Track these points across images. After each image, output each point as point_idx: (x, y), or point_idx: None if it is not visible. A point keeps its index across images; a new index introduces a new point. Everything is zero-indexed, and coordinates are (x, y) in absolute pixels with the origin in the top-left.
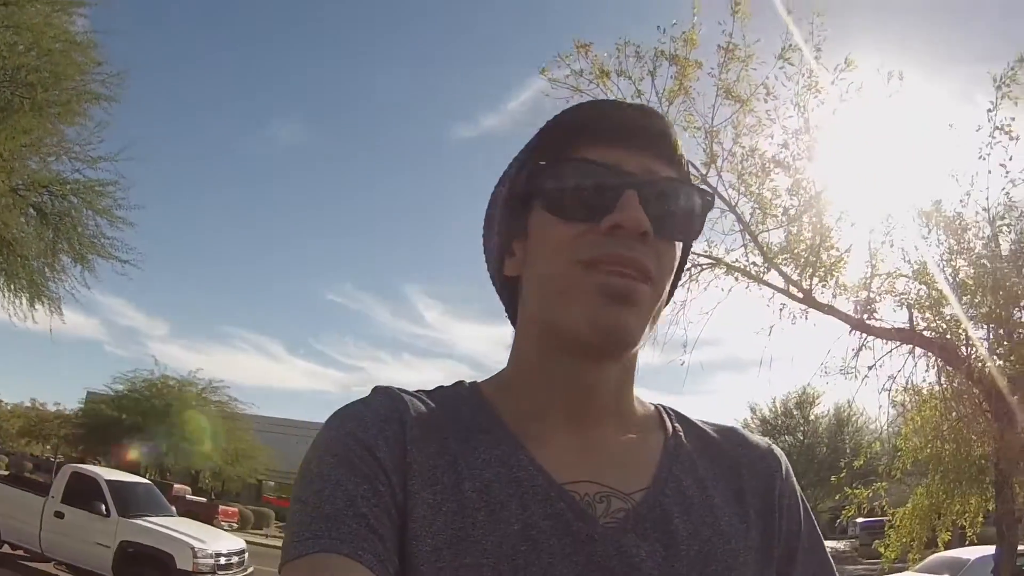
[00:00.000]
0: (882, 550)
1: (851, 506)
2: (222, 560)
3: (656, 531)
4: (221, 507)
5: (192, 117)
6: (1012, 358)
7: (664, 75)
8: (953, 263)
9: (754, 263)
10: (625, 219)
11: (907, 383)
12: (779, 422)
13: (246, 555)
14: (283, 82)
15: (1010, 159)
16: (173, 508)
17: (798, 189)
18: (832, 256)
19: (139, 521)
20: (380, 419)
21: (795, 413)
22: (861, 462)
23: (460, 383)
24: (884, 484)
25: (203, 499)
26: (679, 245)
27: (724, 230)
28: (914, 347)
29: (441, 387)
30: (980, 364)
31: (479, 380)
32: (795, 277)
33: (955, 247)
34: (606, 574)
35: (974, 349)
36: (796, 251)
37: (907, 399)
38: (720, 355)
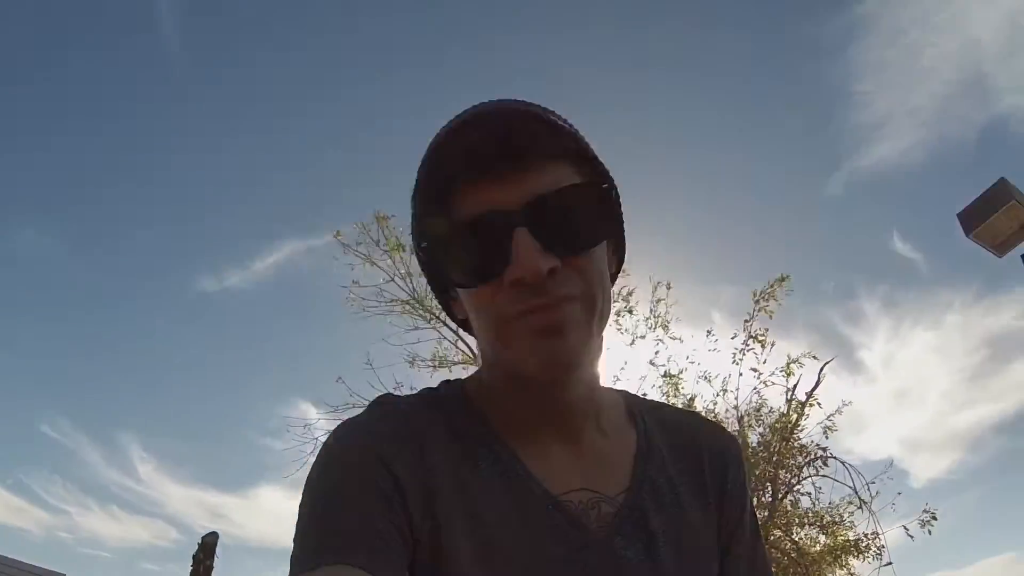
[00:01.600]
0: None
1: None
2: None
3: (637, 531)
4: None
5: None
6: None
7: None
8: None
9: None
10: (523, 271)
11: None
12: None
13: None
14: (38, 191)
15: (764, 362)
16: None
17: None
18: None
19: None
20: (397, 434)
21: None
22: None
23: (446, 383)
24: None
25: None
26: (599, 245)
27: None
28: None
29: (430, 389)
30: None
31: (461, 380)
32: None
33: None
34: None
35: None
36: None
37: None
38: None
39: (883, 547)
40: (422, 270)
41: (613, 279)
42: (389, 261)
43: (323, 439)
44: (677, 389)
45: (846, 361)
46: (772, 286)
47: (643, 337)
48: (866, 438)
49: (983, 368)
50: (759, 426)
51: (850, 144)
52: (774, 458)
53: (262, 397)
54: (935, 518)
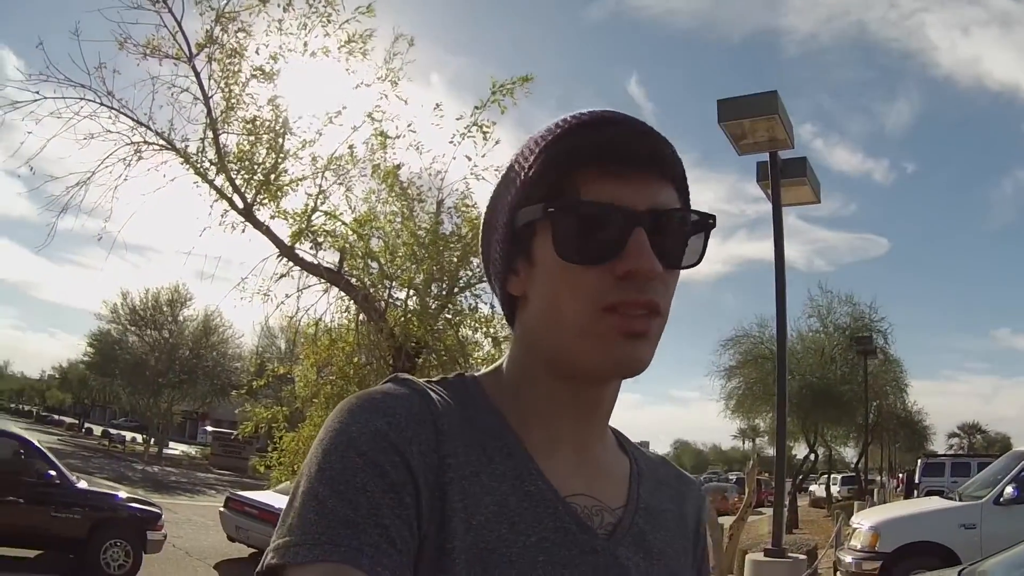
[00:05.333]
0: (261, 469)
1: (250, 423)
2: None
3: (636, 544)
4: None
5: None
6: (426, 325)
7: None
8: (408, 225)
9: (210, 160)
10: (639, 265)
11: (319, 319)
12: (148, 315)
13: None
14: None
15: (482, 156)
16: None
17: (275, 106)
18: (283, 180)
19: None
20: (414, 420)
21: (165, 310)
22: (264, 382)
23: (461, 376)
24: (284, 409)
25: None
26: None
27: (192, 117)
28: (334, 288)
29: (446, 379)
30: (394, 324)
31: (476, 375)
32: (242, 188)
33: (406, 212)
34: None
35: (392, 308)
36: (251, 163)
37: (318, 333)
38: (112, 231)
39: None
40: (500, 227)
41: None
42: None
43: None
44: (385, 150)
45: None
46: (513, 82)
47: (369, 86)
48: None
49: None
50: (457, 215)
51: None
52: (458, 252)
53: None
54: None
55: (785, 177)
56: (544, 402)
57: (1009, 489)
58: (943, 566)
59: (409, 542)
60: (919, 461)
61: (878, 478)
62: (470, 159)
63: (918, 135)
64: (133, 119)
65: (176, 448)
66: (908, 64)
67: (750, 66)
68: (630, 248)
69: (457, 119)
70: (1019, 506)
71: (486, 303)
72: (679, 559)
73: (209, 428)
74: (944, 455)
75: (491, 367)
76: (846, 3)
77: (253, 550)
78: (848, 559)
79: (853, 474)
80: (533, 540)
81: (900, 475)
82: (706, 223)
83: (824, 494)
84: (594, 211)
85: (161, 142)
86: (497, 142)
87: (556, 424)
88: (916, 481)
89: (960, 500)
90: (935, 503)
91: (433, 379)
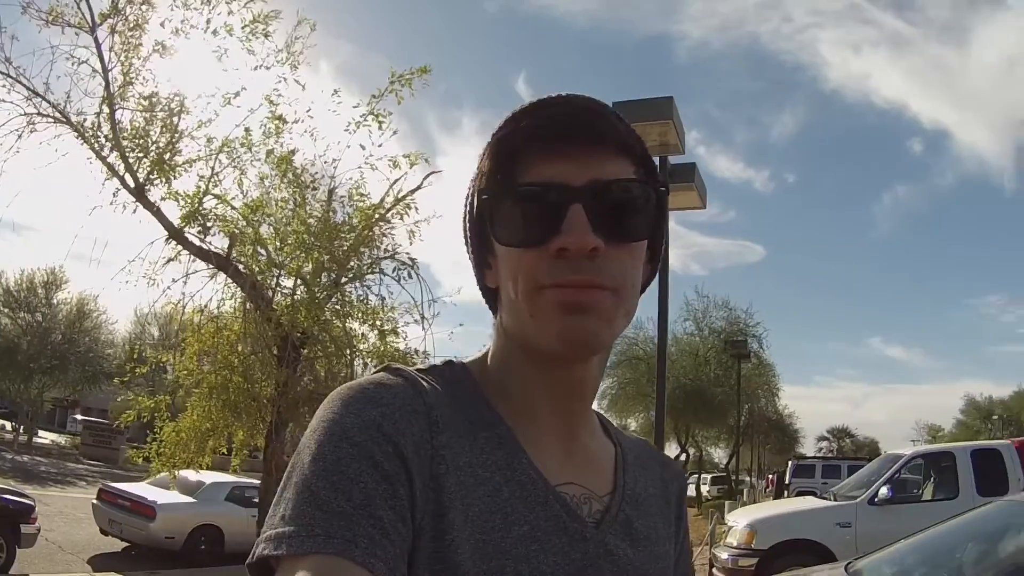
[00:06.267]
0: (139, 460)
1: (133, 412)
2: None
3: (623, 531)
4: None
5: None
6: (313, 315)
7: None
8: (300, 213)
9: (105, 136)
10: (571, 241)
11: (205, 306)
12: (22, 296)
13: None
14: None
15: (378, 146)
16: None
17: (172, 83)
18: (177, 161)
19: None
20: (407, 411)
21: (40, 292)
22: (145, 369)
23: (450, 363)
24: (167, 398)
25: None
26: (639, 243)
27: (90, 91)
28: (221, 274)
29: (435, 367)
30: (281, 313)
31: (465, 362)
32: (135, 167)
33: (298, 199)
34: (598, 569)
35: (280, 297)
36: (145, 141)
37: (202, 320)
38: None
39: None
40: (468, 227)
41: (643, 288)
42: None
43: None
44: (280, 135)
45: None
46: (412, 73)
47: (268, 68)
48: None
49: None
50: (349, 204)
51: None
52: (349, 242)
53: None
54: None
55: (673, 182)
56: (526, 390)
57: (884, 490)
58: (819, 563)
59: (403, 533)
60: (790, 463)
61: (748, 479)
62: (364, 148)
63: (801, 147)
64: (29, 88)
65: (46, 437)
66: (797, 77)
67: (640, 71)
68: (566, 225)
69: (354, 107)
70: (893, 506)
71: (375, 295)
72: (663, 544)
73: (79, 417)
74: (815, 457)
75: (479, 354)
76: (741, 14)
77: (126, 543)
78: (724, 556)
79: (723, 474)
80: (526, 529)
81: (770, 476)
82: (657, 190)
83: (694, 493)
84: (527, 193)
85: (56, 114)
86: (395, 132)
87: (541, 412)
88: (787, 482)
89: (835, 500)
90: (811, 502)
91: (423, 367)
